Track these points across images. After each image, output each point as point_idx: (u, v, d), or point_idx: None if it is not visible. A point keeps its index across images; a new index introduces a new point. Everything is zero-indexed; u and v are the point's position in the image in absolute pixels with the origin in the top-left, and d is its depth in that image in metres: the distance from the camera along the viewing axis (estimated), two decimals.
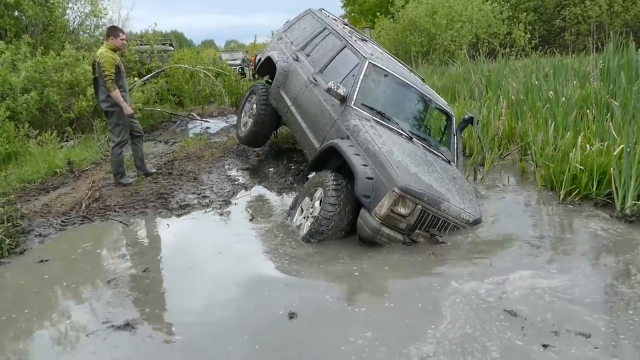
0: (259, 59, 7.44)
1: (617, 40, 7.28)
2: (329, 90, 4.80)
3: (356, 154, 4.25)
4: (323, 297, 3.33)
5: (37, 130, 7.62)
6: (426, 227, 4.08)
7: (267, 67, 6.76)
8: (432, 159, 4.87)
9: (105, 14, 12.05)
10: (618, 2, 16.58)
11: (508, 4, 17.86)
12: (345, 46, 5.59)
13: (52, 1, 10.82)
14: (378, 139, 4.40)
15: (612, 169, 4.49)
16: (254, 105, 6.60)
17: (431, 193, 4.04)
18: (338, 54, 5.61)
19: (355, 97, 4.89)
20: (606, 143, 5.00)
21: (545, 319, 2.93)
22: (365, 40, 6.13)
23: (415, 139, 4.98)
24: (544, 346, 2.67)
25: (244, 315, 3.13)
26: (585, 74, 8.55)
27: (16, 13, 10.33)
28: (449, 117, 5.76)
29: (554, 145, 5.34)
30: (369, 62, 5.16)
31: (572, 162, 4.79)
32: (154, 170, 6.40)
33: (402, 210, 3.93)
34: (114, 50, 5.70)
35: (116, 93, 5.60)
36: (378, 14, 20.53)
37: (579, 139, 5.12)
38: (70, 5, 11.70)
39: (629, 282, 3.41)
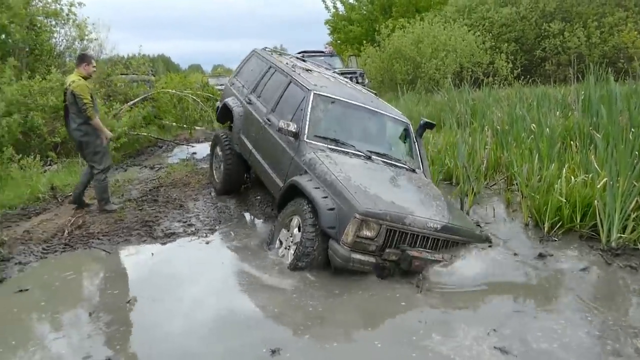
0: (217, 107, 7.41)
1: (596, 71, 7.46)
2: (280, 129, 4.87)
3: (316, 188, 4.28)
4: (307, 330, 3.29)
5: (20, 155, 7.50)
6: (396, 244, 4.07)
7: (226, 114, 6.77)
8: (394, 173, 4.94)
9: (95, 39, 12.06)
10: (595, 34, 17.08)
11: (490, 34, 18.24)
12: (290, 81, 5.66)
13: (39, 25, 10.82)
14: (334, 167, 4.45)
15: (596, 201, 4.54)
16: (220, 155, 6.59)
17: (393, 210, 4.06)
18: (285, 90, 5.67)
19: (306, 130, 4.95)
20: (590, 175, 5.07)
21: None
22: (310, 70, 6.18)
23: (374, 157, 5.05)
24: None
25: (229, 350, 3.06)
26: (567, 105, 8.73)
27: (3, 36, 10.27)
28: (406, 127, 5.83)
29: (539, 176, 5.40)
30: (314, 93, 5.23)
31: (555, 194, 4.84)
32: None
33: (368, 234, 3.95)
34: (85, 78, 5.64)
35: (97, 121, 5.59)
36: (364, 42, 20.84)
37: (564, 170, 5.19)
38: (57, 29, 11.70)
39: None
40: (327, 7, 26.66)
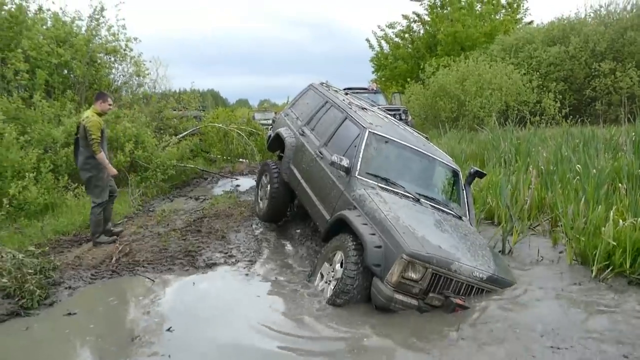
0: (269, 136, 7.62)
1: None
2: (332, 163, 4.95)
3: (364, 224, 4.32)
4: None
5: (76, 183, 7.90)
6: (440, 290, 4.08)
7: (277, 143, 6.95)
8: (441, 217, 4.93)
9: (148, 74, 12.64)
10: None
11: (537, 73, 18.02)
12: (346, 118, 5.78)
13: (99, 62, 11.50)
14: (384, 206, 4.49)
15: None
16: (268, 182, 6.75)
17: (440, 255, 4.06)
18: (340, 125, 5.80)
19: (358, 167, 5.03)
20: (639, 219, 4.89)
21: None
22: (365, 109, 6.28)
23: (422, 200, 5.07)
24: None
25: None
26: (617, 145, 8.48)
27: (65, 72, 10.97)
28: (455, 173, 5.85)
29: (585, 218, 5.25)
30: (369, 131, 5.33)
31: (604, 236, 4.69)
32: (119, 229, 6.42)
33: (413, 276, 3.97)
34: (100, 114, 5.94)
35: (102, 156, 5.79)
36: (408, 79, 21.01)
37: (611, 213, 5.04)
38: (115, 65, 12.38)
39: None
40: (371, 46, 27.12)
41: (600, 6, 19.50)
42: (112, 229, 6.26)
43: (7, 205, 6.45)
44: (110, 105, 6.13)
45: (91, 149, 5.74)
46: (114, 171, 5.99)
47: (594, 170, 6.31)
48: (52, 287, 4.61)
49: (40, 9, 10.65)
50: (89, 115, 5.86)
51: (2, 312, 4.03)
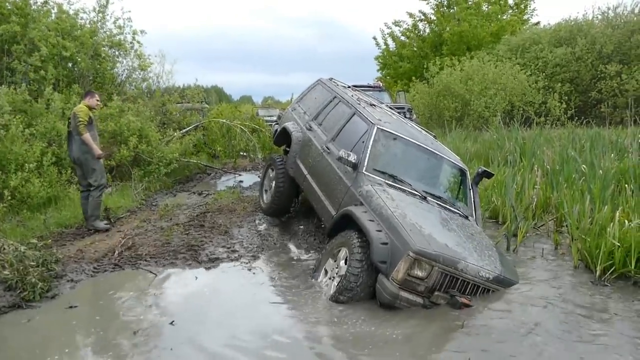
0: (276, 130, 7.60)
1: None
2: (340, 158, 4.93)
3: (370, 220, 4.29)
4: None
5: None
6: (445, 288, 4.06)
7: (283, 137, 6.94)
8: (448, 216, 4.90)
9: (151, 64, 12.55)
10: None
11: (543, 74, 17.94)
12: (354, 113, 5.75)
13: (103, 55, 11.47)
14: (390, 202, 4.46)
15: None
16: (273, 177, 6.73)
17: (447, 253, 4.03)
18: (348, 121, 5.77)
19: (366, 163, 5.00)
20: None
21: None
22: (374, 105, 6.24)
23: (429, 198, 5.03)
24: None
25: None
26: (622, 147, 8.43)
27: (70, 65, 10.94)
28: (462, 173, 5.80)
29: (590, 218, 5.22)
30: (377, 127, 5.29)
31: (608, 237, 4.65)
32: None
33: (419, 273, 3.93)
34: (90, 108, 6.38)
35: (87, 136, 6.15)
36: (413, 78, 20.96)
37: (617, 213, 5.00)
38: (119, 59, 12.34)
39: None
40: (377, 44, 27.10)
41: (608, 8, 19.34)
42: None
43: (10, 198, 6.43)
44: (98, 101, 6.60)
45: (77, 130, 6.09)
46: (99, 152, 6.34)
47: (600, 171, 6.28)
48: (54, 279, 4.59)
49: (46, 1, 10.60)
50: (80, 106, 6.32)
51: (4, 304, 4.02)
